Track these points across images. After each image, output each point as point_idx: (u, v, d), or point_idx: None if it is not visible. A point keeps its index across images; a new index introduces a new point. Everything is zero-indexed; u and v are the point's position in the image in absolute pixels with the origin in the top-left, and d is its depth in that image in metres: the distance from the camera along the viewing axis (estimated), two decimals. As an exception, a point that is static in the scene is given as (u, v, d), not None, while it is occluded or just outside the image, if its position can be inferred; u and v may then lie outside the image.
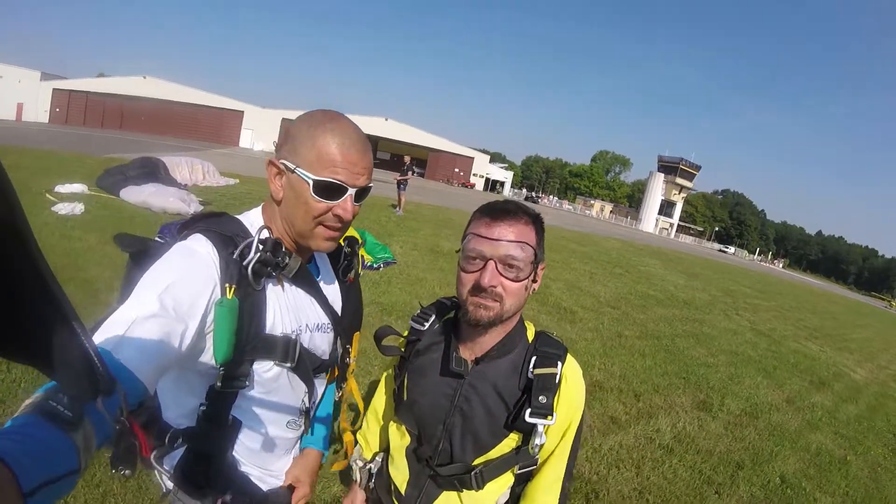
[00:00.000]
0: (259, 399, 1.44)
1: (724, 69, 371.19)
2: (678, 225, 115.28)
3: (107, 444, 0.86)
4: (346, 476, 3.58)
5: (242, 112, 65.24)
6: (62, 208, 9.73)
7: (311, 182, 1.31)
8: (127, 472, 0.98)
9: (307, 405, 1.61)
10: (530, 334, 1.67)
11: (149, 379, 1.04)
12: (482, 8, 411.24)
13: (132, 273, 1.36)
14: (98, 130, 52.05)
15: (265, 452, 1.56)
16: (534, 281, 1.54)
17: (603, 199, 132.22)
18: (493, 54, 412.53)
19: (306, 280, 1.52)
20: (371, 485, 1.94)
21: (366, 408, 2.04)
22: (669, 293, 16.89)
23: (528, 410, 1.48)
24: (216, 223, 1.38)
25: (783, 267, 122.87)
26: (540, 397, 1.49)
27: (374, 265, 10.29)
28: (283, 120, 59.72)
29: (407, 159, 21.28)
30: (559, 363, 1.55)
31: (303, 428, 1.67)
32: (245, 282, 1.30)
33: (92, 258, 7.10)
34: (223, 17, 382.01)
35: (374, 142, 73.58)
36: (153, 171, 13.71)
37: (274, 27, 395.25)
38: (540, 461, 1.63)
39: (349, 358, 1.81)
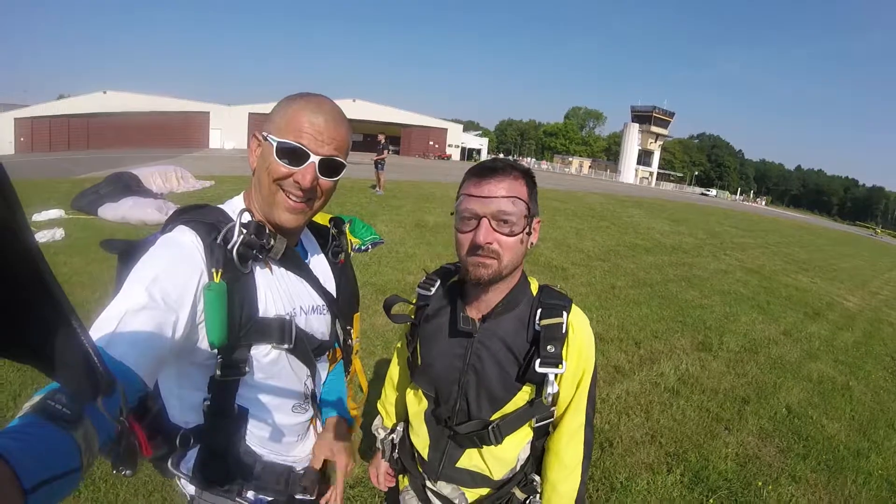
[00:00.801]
0: (261, 385, 1.43)
1: (691, 15, 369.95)
2: (658, 173, 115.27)
3: (109, 445, 0.84)
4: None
5: (208, 112, 63.64)
6: (43, 236, 9.54)
7: (274, 144, 1.32)
8: (127, 472, 0.94)
9: (310, 388, 1.61)
10: (534, 288, 1.68)
11: (146, 372, 1.04)
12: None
13: (122, 273, 1.34)
14: (66, 153, 51.22)
15: (277, 439, 1.54)
16: (528, 234, 1.54)
17: (580, 156, 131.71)
18: (456, 23, 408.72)
19: (295, 263, 1.50)
20: (395, 455, 1.96)
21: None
22: (656, 240, 17.02)
23: (538, 361, 1.50)
24: (198, 213, 1.39)
25: (766, 204, 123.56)
26: (548, 347, 1.51)
27: (363, 247, 10.24)
28: (251, 115, 59.36)
29: (381, 138, 21.03)
30: (564, 313, 1.57)
31: (310, 412, 1.65)
32: (231, 265, 1.30)
33: (80, 281, 6.96)
34: (175, 17, 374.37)
35: (344, 124, 73.34)
36: (127, 186, 13.45)
37: (227, 20, 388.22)
38: (558, 413, 1.66)
39: (351, 340, 1.79)
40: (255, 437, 1.49)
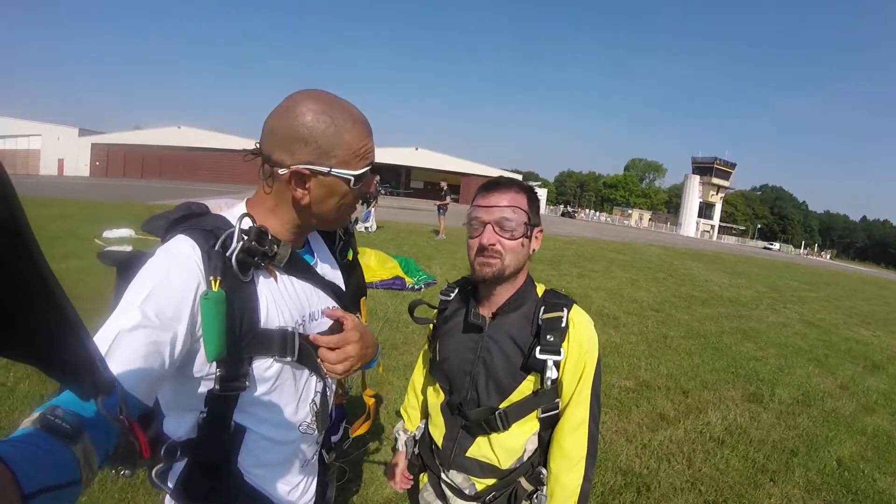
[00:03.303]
0: (262, 401, 1.36)
1: (748, 62, 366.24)
2: (719, 226, 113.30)
3: (108, 463, 0.87)
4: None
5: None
6: (97, 255, 9.88)
7: (352, 178, 1.33)
8: (127, 472, 0.94)
9: (318, 406, 1.53)
10: (540, 290, 1.91)
11: (143, 393, 1.05)
12: (496, 33, 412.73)
13: (120, 286, 1.28)
14: (138, 180, 53.39)
15: (277, 462, 1.47)
16: (528, 238, 1.80)
17: (640, 208, 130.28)
18: (516, 75, 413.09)
19: (302, 268, 1.46)
20: (416, 450, 2.16)
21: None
22: (713, 293, 16.71)
23: (538, 348, 1.70)
24: (196, 221, 1.35)
25: (830, 258, 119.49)
26: (548, 336, 1.71)
27: (416, 286, 10.54)
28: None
29: (443, 185, 21.57)
30: (565, 310, 1.76)
31: (317, 433, 1.56)
32: (231, 273, 1.25)
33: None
34: (251, 62, 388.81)
35: (406, 171, 73.96)
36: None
37: (301, 70, 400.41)
38: (562, 406, 1.82)
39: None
40: (253, 458, 1.41)
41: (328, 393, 1.60)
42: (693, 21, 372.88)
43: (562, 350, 1.70)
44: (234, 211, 1.42)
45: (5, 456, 0.61)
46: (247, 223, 1.30)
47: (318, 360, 1.40)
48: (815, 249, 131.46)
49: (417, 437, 2.17)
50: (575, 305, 1.82)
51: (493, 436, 1.83)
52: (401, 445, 2.20)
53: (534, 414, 1.81)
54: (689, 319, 11.70)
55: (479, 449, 1.86)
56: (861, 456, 5.76)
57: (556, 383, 1.76)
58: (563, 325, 1.72)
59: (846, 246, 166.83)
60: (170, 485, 1.35)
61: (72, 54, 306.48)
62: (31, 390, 4.50)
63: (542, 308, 1.79)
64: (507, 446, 1.84)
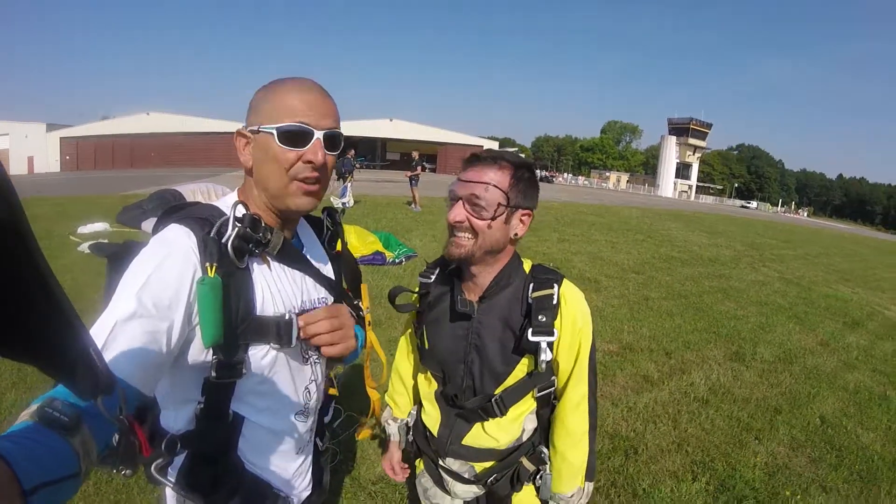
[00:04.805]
0: (258, 389, 1.36)
1: (722, 22, 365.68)
2: (697, 186, 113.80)
3: (106, 454, 0.87)
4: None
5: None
6: (87, 247, 9.82)
7: (275, 132, 1.28)
8: (127, 471, 0.95)
9: (313, 393, 1.54)
10: (527, 266, 1.80)
11: (142, 382, 1.05)
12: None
13: (112, 278, 1.32)
14: (110, 171, 52.47)
15: (274, 449, 1.47)
16: (505, 222, 1.66)
17: (618, 170, 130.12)
18: (490, 42, 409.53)
19: (293, 256, 1.46)
20: (409, 437, 2.08)
21: (389, 367, 2.09)
22: (693, 253, 16.80)
23: (531, 331, 1.62)
24: (189, 210, 1.35)
25: (808, 215, 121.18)
26: (539, 317, 1.62)
27: (396, 260, 10.45)
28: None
29: (415, 155, 21.22)
30: (556, 286, 1.68)
31: (312, 419, 1.58)
32: (227, 260, 1.25)
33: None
34: (216, 38, 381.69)
35: (382, 143, 73.20)
36: (171, 202, 13.48)
37: (270, 41, 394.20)
38: (560, 384, 1.78)
39: (362, 311, 1.71)
40: (251, 447, 1.41)
41: (319, 378, 1.58)
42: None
43: (555, 329, 1.63)
44: (226, 200, 1.43)
45: (5, 453, 0.61)
46: (241, 211, 1.30)
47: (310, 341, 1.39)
48: (793, 207, 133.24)
49: (410, 424, 2.09)
50: (565, 280, 1.74)
51: (488, 423, 1.78)
52: (393, 434, 2.12)
53: (530, 394, 1.76)
54: (670, 280, 11.77)
55: (476, 437, 1.81)
56: (843, 412, 5.82)
57: (552, 363, 1.71)
58: (555, 302, 1.65)
59: (823, 204, 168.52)
60: (171, 478, 1.33)
61: (32, 48, 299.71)
62: (18, 399, 4.37)
63: (532, 285, 1.70)
64: (505, 428, 1.79)
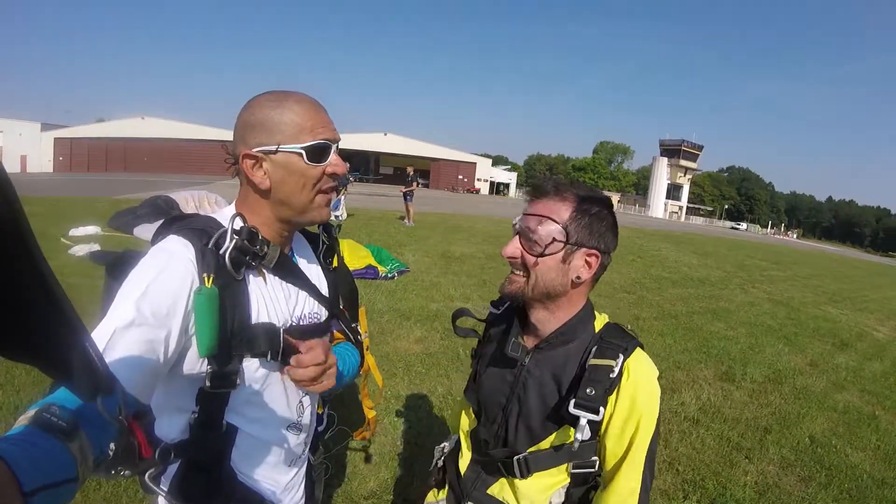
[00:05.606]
0: (252, 401, 1.37)
1: (715, 46, 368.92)
2: (687, 207, 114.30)
3: (102, 460, 0.86)
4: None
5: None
6: (79, 250, 9.88)
7: (302, 151, 1.30)
8: (126, 472, 0.94)
9: (306, 406, 1.55)
10: (598, 324, 1.60)
11: (139, 390, 1.06)
12: (465, 17, 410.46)
13: (110, 286, 1.30)
14: (103, 174, 52.22)
15: (268, 461, 1.47)
16: (563, 262, 1.47)
17: (609, 190, 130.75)
18: (485, 60, 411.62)
19: (290, 270, 1.46)
20: (440, 463, 1.95)
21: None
22: (683, 273, 16.86)
23: (573, 401, 1.40)
24: (188, 221, 1.35)
25: (797, 237, 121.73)
26: (588, 389, 1.40)
27: (388, 275, 10.42)
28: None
29: (410, 170, 21.27)
30: (621, 356, 1.44)
31: (305, 433, 1.58)
32: (224, 271, 1.26)
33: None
34: (215, 51, 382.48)
35: (376, 157, 73.31)
36: (163, 208, 13.66)
37: (265, 53, 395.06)
38: (606, 468, 1.53)
39: (360, 335, 1.74)
40: (245, 458, 1.41)
41: (312, 396, 1.59)
42: (661, 4, 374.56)
43: (606, 403, 1.41)
44: (224, 212, 1.43)
45: (5, 454, 0.61)
46: (238, 223, 1.31)
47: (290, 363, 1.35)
48: (782, 229, 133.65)
49: (446, 452, 1.95)
50: (638, 350, 1.49)
51: (516, 481, 1.59)
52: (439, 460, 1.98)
53: (564, 466, 1.56)
54: (661, 300, 11.79)
55: (501, 490, 1.64)
56: (833, 432, 5.85)
57: (598, 441, 1.51)
58: (613, 375, 1.41)
59: (812, 226, 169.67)
60: (163, 487, 1.33)
61: (32, 48, 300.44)
62: (6, 400, 4.35)
63: (595, 349, 1.48)
64: (529, 496, 1.58)
